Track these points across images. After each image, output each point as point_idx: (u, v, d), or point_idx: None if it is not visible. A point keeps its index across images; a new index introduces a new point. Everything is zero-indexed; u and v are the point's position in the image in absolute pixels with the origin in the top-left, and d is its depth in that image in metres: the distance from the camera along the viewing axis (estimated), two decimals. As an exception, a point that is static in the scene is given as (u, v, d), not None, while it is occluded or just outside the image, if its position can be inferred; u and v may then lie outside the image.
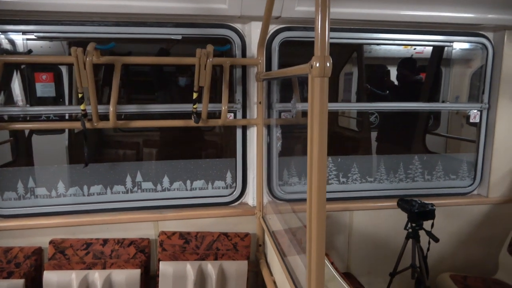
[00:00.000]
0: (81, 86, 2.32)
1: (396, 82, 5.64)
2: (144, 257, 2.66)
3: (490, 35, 3.08)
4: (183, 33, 2.70)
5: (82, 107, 2.46)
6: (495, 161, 3.18)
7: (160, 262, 2.58)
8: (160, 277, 2.57)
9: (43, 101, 4.11)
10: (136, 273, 2.50)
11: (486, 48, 3.08)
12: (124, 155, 5.24)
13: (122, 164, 2.87)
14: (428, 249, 2.68)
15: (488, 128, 3.19)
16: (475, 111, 3.21)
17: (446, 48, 4.22)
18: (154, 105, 2.79)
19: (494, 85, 3.11)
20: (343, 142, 6.08)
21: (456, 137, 4.92)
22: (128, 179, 2.84)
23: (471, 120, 3.22)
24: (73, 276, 2.45)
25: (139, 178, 2.86)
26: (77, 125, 2.54)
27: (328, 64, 1.30)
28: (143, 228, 2.77)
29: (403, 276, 2.79)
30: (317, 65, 1.29)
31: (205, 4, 2.47)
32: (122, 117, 2.94)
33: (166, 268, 2.56)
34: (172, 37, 2.70)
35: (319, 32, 1.29)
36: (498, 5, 2.71)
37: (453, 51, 4.03)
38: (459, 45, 3.46)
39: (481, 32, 3.05)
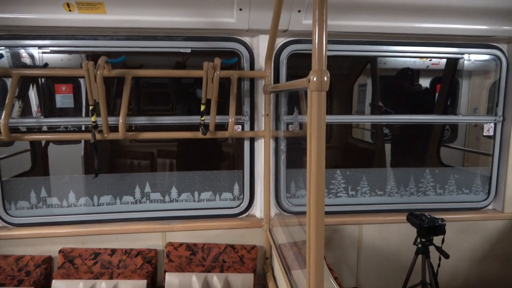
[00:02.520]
0: (92, 98, 2.39)
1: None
2: (151, 267, 2.68)
3: (504, 47, 3.02)
4: (193, 46, 2.75)
5: (93, 118, 2.52)
6: (511, 174, 3.08)
7: (166, 273, 2.59)
8: (166, 288, 2.58)
9: (63, 112, 4.25)
10: (142, 283, 2.52)
11: (500, 60, 3.02)
12: (139, 165, 5.32)
13: (132, 175, 2.92)
14: (438, 266, 2.61)
15: (503, 141, 3.11)
16: (490, 124, 3.14)
17: (460, 60, 4.16)
18: (163, 117, 2.83)
19: (508, 97, 3.04)
20: (356, 154, 6.02)
21: (470, 150, 4.80)
22: (137, 190, 2.89)
23: (484, 133, 3.15)
24: (81, 285, 2.49)
25: (147, 189, 2.89)
26: (88, 136, 2.60)
27: (325, 78, 1.29)
28: (151, 238, 2.79)
29: (414, 293, 2.72)
30: (315, 79, 1.29)
31: (213, 18, 2.51)
32: (133, 128, 3.01)
33: (172, 279, 2.57)
34: (182, 51, 2.75)
35: (317, 46, 1.29)
36: (511, 17, 2.66)
37: (466, 62, 3.96)
38: (474, 56, 3.40)
39: (494, 44, 3.00)
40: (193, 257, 2.72)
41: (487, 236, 3.15)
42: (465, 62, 3.93)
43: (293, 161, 2.90)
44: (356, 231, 3.03)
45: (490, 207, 3.22)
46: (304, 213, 2.69)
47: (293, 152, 2.86)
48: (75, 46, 2.65)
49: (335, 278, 2.15)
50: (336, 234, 3.03)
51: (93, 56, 2.58)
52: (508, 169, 3.07)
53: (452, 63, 4.22)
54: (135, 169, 5.20)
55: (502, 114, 3.08)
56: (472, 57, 3.48)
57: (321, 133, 1.33)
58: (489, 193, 3.20)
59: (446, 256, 2.48)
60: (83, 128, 3.05)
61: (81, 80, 4.53)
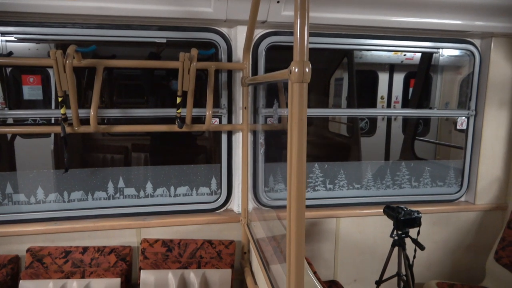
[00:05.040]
0: (61, 89, 2.26)
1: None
2: (125, 265, 2.59)
3: (477, 42, 3.08)
4: (168, 36, 2.66)
5: (62, 111, 2.40)
6: (482, 167, 3.17)
7: (141, 271, 2.52)
8: (141, 286, 2.50)
9: (31, 104, 4.05)
10: (116, 282, 2.43)
11: (474, 55, 3.08)
12: (112, 159, 5.17)
13: (104, 170, 2.81)
14: (414, 257, 2.65)
15: (475, 134, 3.19)
16: (463, 117, 3.20)
17: (434, 54, 4.24)
18: (137, 110, 2.73)
19: (481, 92, 3.11)
20: (333, 147, 6.08)
21: (444, 144, 4.93)
22: (110, 185, 2.78)
23: (458, 127, 3.22)
24: (50, 285, 2.38)
25: (121, 184, 2.79)
26: (58, 129, 2.47)
27: (307, 70, 1.25)
28: (125, 235, 2.70)
29: (389, 284, 2.76)
30: (296, 70, 1.25)
31: (190, 7, 2.43)
32: (105, 121, 2.89)
33: (147, 277, 2.49)
34: (157, 41, 2.66)
35: (298, 37, 1.25)
36: (485, 13, 2.71)
37: (441, 58, 4.04)
38: (448, 51, 3.46)
39: (468, 39, 3.05)
40: (169, 254, 2.65)
41: (460, 227, 3.23)
42: (440, 57, 4.01)
43: (272, 155, 2.87)
44: (334, 224, 3.05)
45: (462, 199, 3.31)
46: (282, 207, 2.66)
47: (272, 146, 2.83)
48: (42, 34, 2.50)
49: (314, 273, 2.15)
50: (314, 227, 3.03)
51: (62, 46, 2.44)
52: (480, 162, 3.15)
53: (427, 57, 4.30)
54: (108, 164, 5.04)
55: (475, 108, 3.15)
56: (445, 52, 3.55)
57: (303, 126, 1.29)
58: (461, 185, 3.28)
59: (422, 248, 2.52)
60: (52, 121, 2.91)
61: (51, 71, 4.34)
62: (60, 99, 2.33)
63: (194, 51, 2.36)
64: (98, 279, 2.43)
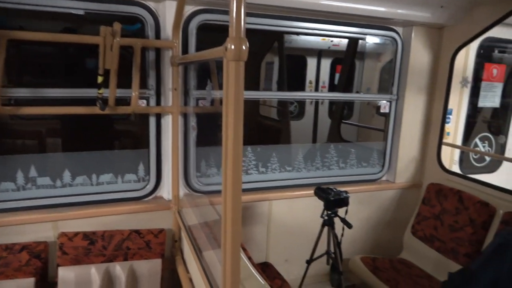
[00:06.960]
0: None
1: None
2: (39, 263, 2.33)
3: (400, 30, 3.25)
4: (86, 8, 2.37)
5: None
6: (402, 148, 3.40)
7: (59, 268, 2.28)
8: (59, 284, 2.27)
9: None
10: (29, 282, 2.18)
11: (396, 42, 3.25)
12: (24, 145, 4.63)
13: (12, 158, 2.47)
14: (342, 235, 2.76)
15: (396, 118, 3.39)
16: (385, 102, 3.39)
17: (360, 42, 4.42)
18: (51, 89, 2.42)
19: (402, 77, 3.30)
20: (264, 131, 6.12)
21: (370, 127, 5.21)
22: (20, 175, 2.46)
23: (381, 111, 3.39)
24: None
25: (33, 173, 2.48)
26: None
27: (244, 47, 1.17)
28: (39, 230, 2.42)
29: (319, 263, 2.85)
30: (232, 47, 1.16)
31: None
32: (12, 102, 2.53)
33: (66, 274, 2.27)
34: (72, 12, 2.36)
35: (235, 11, 1.16)
36: (407, 2, 2.85)
37: (367, 45, 4.23)
38: (371, 39, 3.61)
39: (392, 26, 3.20)
40: (91, 247, 2.44)
41: (381, 205, 3.46)
42: (366, 44, 4.18)
43: (204, 139, 2.76)
44: (266, 207, 3.06)
45: (384, 178, 3.53)
46: (215, 192, 2.57)
47: (204, 129, 2.72)
48: None
49: (249, 258, 2.12)
50: (247, 211, 3.01)
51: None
52: (400, 144, 3.38)
53: (353, 44, 4.46)
54: (18, 151, 4.51)
55: (397, 93, 3.34)
56: (369, 40, 3.70)
57: (239, 107, 1.22)
58: (383, 165, 3.49)
59: (350, 226, 2.63)
60: None
61: None
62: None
63: (117, 26, 2.13)
64: (7, 281, 2.15)
